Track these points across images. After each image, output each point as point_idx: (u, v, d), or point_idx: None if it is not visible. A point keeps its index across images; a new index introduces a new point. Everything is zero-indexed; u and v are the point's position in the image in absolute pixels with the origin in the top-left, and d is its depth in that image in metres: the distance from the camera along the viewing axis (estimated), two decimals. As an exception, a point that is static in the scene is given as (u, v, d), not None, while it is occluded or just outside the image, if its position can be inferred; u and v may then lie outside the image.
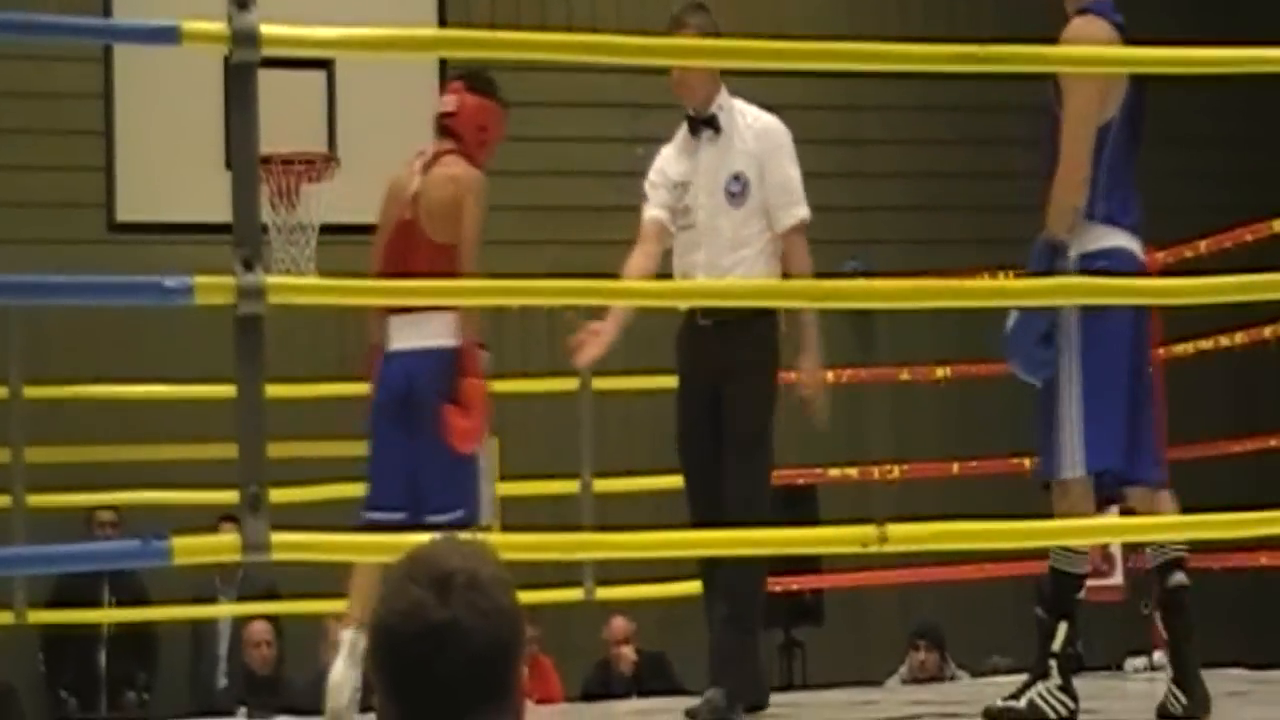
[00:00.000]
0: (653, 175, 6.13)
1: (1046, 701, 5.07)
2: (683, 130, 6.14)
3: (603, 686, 9.67)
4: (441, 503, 5.65)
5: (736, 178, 5.99)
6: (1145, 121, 5.44)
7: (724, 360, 5.87)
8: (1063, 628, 5.09)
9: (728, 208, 5.98)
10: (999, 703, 5.11)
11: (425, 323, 5.72)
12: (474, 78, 6.03)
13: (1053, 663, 5.09)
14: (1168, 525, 5.96)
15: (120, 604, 9.44)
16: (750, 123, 6.07)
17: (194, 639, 9.98)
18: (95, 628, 9.66)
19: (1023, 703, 5.07)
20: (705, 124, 6.05)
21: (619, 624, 9.84)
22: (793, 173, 6.04)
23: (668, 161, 6.12)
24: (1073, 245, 5.33)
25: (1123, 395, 5.23)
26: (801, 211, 6.03)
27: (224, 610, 9.65)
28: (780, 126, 6.10)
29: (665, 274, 6.12)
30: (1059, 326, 5.31)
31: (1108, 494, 5.33)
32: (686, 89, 6.04)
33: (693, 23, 5.97)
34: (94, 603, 9.34)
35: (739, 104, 6.11)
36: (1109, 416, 5.20)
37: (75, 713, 9.63)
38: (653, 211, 6.07)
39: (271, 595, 9.30)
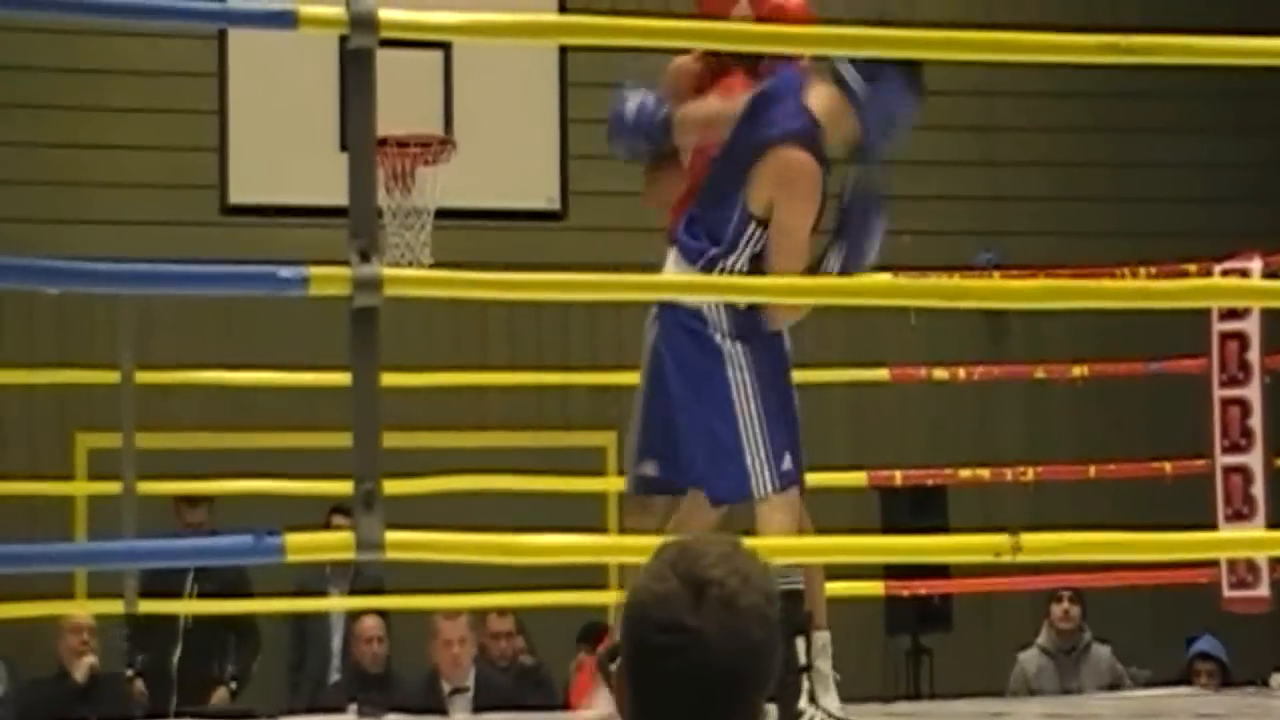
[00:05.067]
0: None
1: None
2: None
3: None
4: None
5: None
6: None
7: None
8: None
9: None
10: None
11: None
12: None
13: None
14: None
15: (204, 594, 9.29)
16: None
17: (297, 632, 9.81)
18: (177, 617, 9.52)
19: None
20: None
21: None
22: None
23: None
24: None
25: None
26: None
27: (328, 604, 9.47)
28: None
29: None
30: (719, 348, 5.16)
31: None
32: None
33: None
34: (179, 591, 9.20)
35: None
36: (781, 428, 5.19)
37: (151, 704, 9.46)
38: None
39: (378, 590, 9.17)
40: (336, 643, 9.58)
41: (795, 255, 5.16)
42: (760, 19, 5.50)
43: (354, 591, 9.38)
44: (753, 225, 5.16)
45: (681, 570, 2.27)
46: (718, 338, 5.14)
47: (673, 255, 5.28)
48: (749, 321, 5.17)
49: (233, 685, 9.52)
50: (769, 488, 5.11)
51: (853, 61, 5.19)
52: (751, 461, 5.10)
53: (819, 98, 5.22)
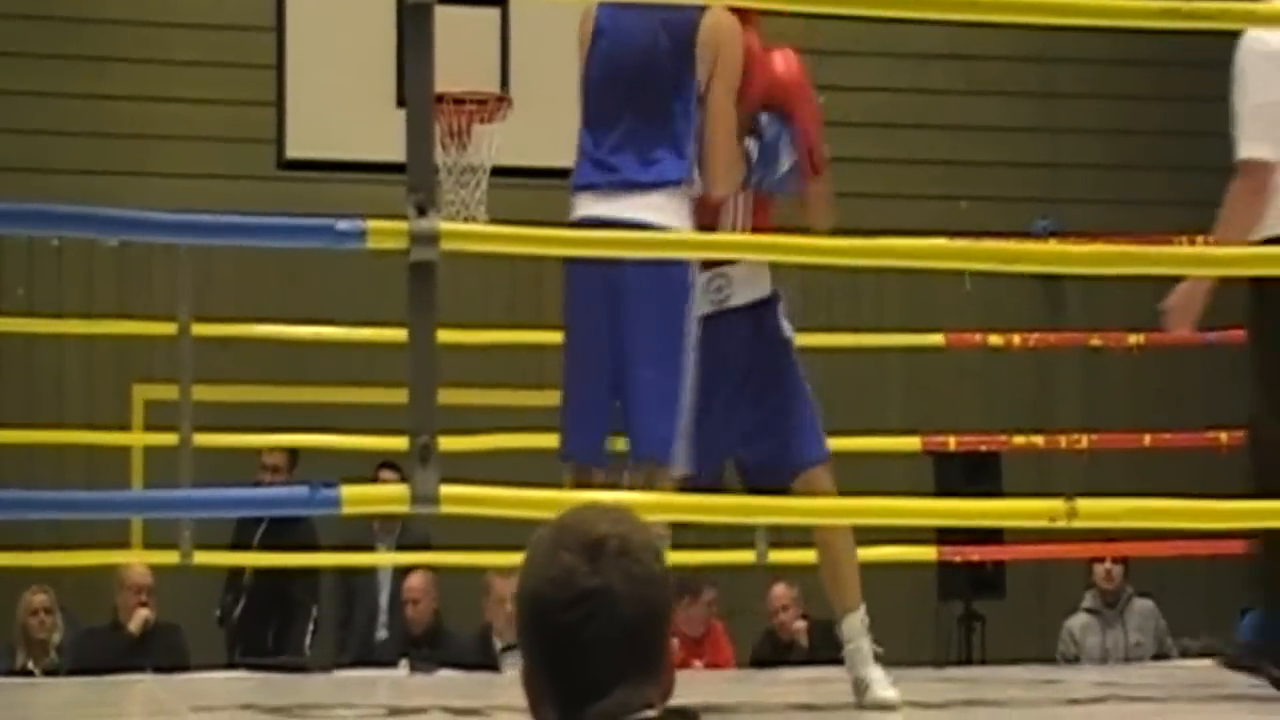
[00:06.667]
0: None
1: None
2: None
3: (772, 653, 9.48)
4: None
5: None
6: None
7: None
8: None
9: None
10: None
11: None
12: None
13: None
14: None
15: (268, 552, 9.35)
16: None
17: (344, 589, 9.84)
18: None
19: None
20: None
21: (779, 591, 9.63)
22: (1241, 105, 5.18)
23: None
24: None
25: None
26: (1242, 150, 5.18)
27: (382, 559, 9.52)
28: (1248, 39, 5.20)
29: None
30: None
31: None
32: None
33: None
34: (275, 545, 9.23)
35: None
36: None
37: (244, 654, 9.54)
38: None
39: (425, 546, 9.20)
40: (384, 599, 9.61)
41: (732, 121, 4.95)
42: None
43: (401, 547, 9.42)
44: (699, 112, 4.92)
45: (570, 543, 2.31)
46: (690, 274, 4.88)
47: (614, 196, 4.91)
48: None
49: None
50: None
51: None
52: (678, 420, 4.85)
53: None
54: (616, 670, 2.28)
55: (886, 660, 5.33)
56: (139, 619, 9.04)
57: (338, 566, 9.56)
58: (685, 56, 4.91)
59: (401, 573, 9.46)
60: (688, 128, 4.92)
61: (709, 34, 4.92)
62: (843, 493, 5.16)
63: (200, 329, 7.03)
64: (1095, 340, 8.32)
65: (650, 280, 4.86)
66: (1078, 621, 9.55)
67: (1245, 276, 5.36)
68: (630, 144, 4.94)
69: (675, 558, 8.18)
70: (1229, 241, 5.31)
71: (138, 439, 9.80)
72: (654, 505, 4.64)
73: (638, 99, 4.95)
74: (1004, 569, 10.01)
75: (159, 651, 8.90)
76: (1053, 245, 5.46)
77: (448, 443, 4.53)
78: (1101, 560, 9.37)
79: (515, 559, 6.25)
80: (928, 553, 7.83)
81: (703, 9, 4.93)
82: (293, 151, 9.43)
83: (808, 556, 6.96)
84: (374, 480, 8.54)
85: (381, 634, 9.56)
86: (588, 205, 4.96)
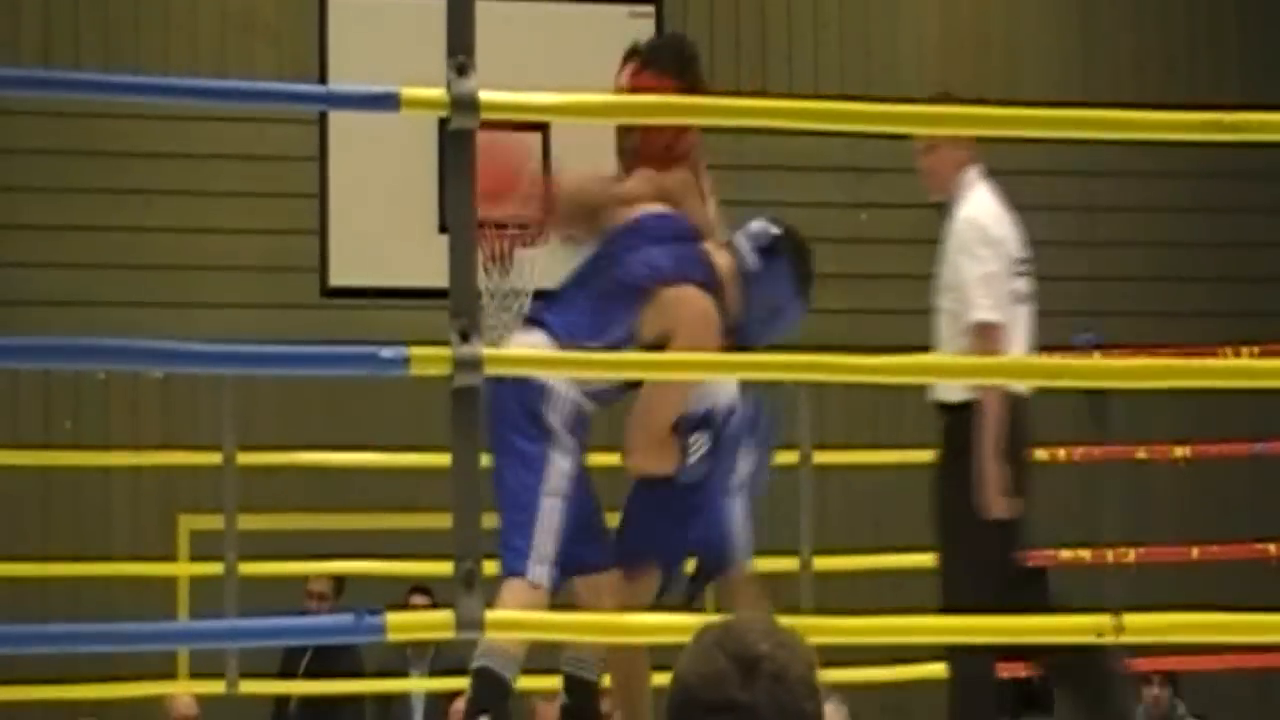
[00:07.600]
0: None
1: None
2: None
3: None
4: None
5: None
6: None
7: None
8: None
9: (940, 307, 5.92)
10: None
11: None
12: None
13: None
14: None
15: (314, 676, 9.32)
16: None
17: (380, 715, 9.79)
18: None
19: None
20: (944, 212, 5.96)
21: (828, 711, 9.56)
22: (966, 275, 5.80)
23: None
24: None
25: None
26: (977, 314, 5.77)
27: (421, 684, 9.49)
28: (966, 220, 5.87)
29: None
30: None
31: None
32: (923, 175, 5.95)
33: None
34: (321, 673, 9.21)
35: (979, 191, 5.90)
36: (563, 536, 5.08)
37: None
38: None
39: (460, 671, 9.16)
40: (416, 724, 9.59)
41: (679, 400, 5.18)
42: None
43: (434, 673, 9.39)
44: (631, 345, 5.16)
45: (730, 649, 2.30)
46: (552, 419, 5.09)
47: (532, 331, 5.25)
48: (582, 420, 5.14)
49: None
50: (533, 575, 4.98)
51: (749, 238, 5.27)
52: (536, 543, 4.99)
53: (718, 256, 5.24)
54: None
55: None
56: (186, 750, 9.02)
57: (375, 693, 9.53)
58: (633, 300, 5.15)
59: (434, 698, 9.42)
60: (604, 334, 5.15)
61: (664, 303, 5.14)
62: (889, 610, 5.13)
63: (245, 458, 7.05)
64: (1141, 453, 8.29)
65: (499, 398, 5.03)
66: None
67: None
68: (572, 309, 5.24)
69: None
70: (990, 397, 5.74)
71: (184, 569, 9.81)
72: (691, 628, 4.63)
73: (579, 277, 5.29)
74: (1051, 684, 9.91)
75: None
76: (1097, 360, 5.47)
77: (493, 567, 4.52)
78: (1149, 683, 9.27)
79: (558, 682, 6.22)
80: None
81: (680, 281, 5.15)
82: (336, 279, 9.50)
83: (856, 675, 6.92)
84: (405, 605, 8.51)
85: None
86: None
